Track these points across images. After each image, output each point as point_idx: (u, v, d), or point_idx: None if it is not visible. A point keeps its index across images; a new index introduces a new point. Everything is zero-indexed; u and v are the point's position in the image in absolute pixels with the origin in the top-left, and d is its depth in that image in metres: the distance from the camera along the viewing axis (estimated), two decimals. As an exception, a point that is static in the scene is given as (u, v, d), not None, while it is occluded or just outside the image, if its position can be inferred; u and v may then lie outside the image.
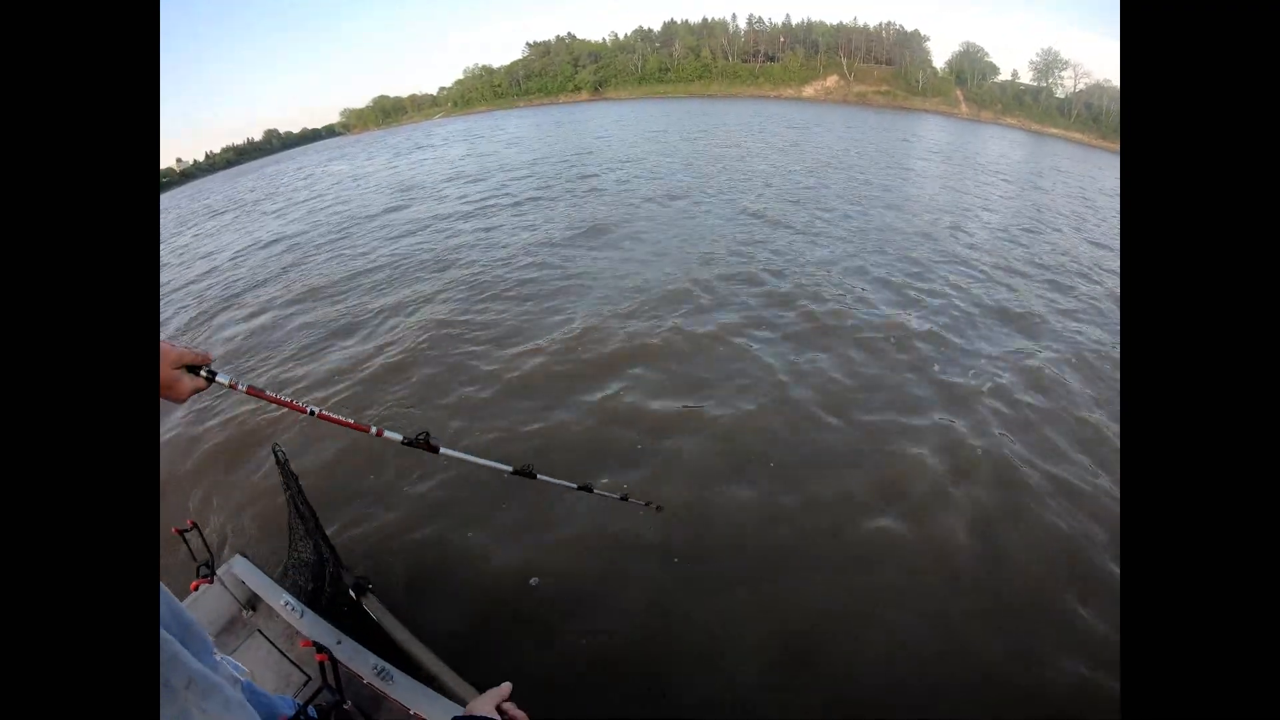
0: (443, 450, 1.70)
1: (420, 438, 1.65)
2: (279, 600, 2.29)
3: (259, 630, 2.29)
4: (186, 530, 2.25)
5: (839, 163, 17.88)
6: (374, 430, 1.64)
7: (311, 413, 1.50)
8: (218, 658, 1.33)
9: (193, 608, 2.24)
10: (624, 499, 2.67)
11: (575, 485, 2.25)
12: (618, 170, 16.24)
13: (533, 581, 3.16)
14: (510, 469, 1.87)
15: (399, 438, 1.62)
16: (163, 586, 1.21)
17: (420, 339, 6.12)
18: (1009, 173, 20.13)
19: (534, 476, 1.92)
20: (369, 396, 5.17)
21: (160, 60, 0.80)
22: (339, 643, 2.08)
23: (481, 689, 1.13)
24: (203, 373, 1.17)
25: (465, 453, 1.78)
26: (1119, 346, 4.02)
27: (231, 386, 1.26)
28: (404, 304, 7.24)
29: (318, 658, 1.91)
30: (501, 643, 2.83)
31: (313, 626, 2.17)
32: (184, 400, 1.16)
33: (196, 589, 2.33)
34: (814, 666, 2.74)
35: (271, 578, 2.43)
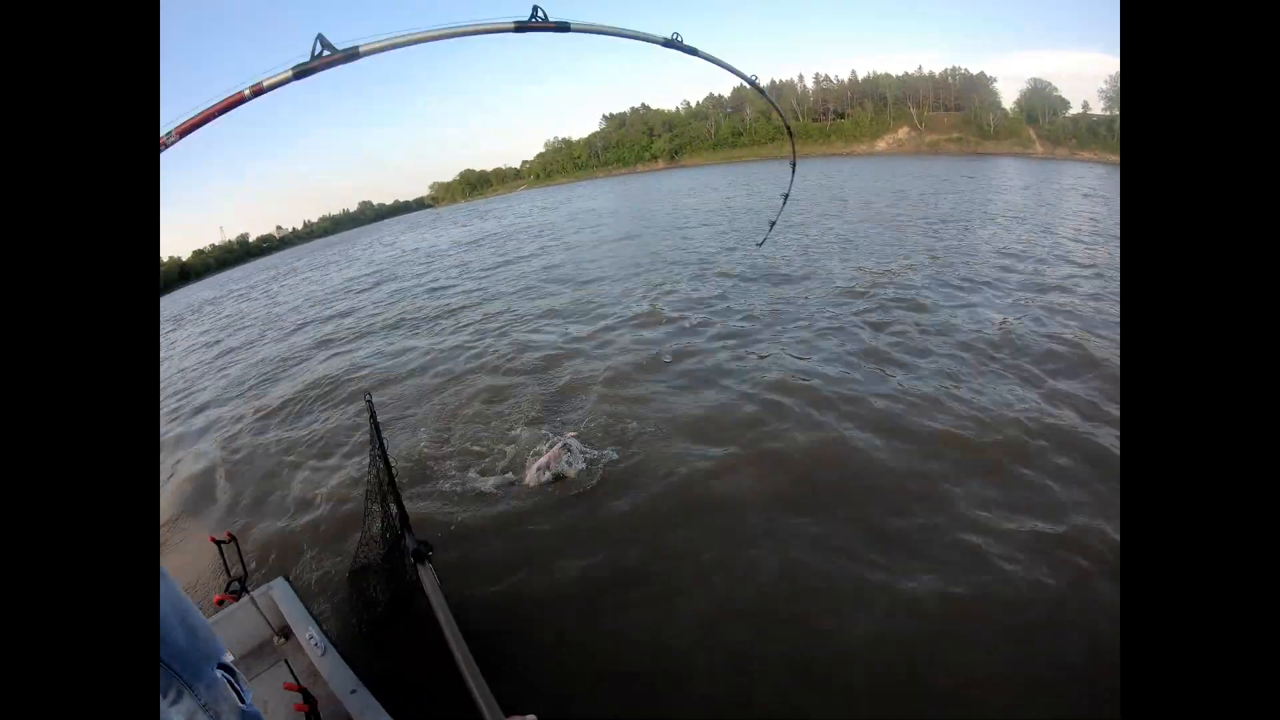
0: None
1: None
2: (306, 633, 2.27)
3: (285, 660, 2.21)
4: (224, 542, 2.18)
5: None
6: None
7: None
8: (219, 674, 1.19)
9: (223, 624, 2.25)
10: None
11: None
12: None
13: None
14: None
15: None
16: (175, 585, 1.14)
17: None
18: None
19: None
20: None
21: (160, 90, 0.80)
22: (353, 691, 1.97)
23: (507, 704, 1.13)
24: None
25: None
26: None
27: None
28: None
29: (295, 707, 1.78)
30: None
31: (332, 667, 2.13)
32: None
33: (220, 603, 2.30)
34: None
35: (308, 607, 2.41)
